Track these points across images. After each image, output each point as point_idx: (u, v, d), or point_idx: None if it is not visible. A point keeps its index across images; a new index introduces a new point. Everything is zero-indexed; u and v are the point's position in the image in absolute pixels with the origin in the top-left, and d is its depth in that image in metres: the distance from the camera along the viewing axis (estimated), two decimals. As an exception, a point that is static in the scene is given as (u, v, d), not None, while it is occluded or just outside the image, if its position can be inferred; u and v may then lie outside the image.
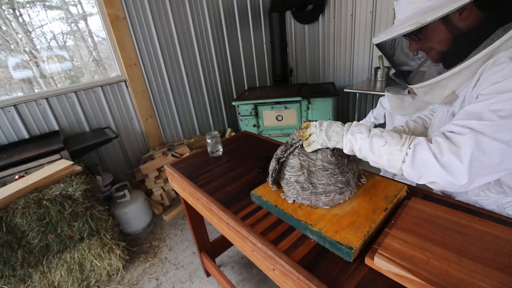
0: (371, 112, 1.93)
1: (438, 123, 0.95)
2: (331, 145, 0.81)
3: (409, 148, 0.69)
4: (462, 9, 0.67)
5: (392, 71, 1.75)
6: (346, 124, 0.82)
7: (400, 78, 0.94)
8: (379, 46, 0.85)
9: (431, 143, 0.68)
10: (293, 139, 0.92)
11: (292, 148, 0.91)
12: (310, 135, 0.85)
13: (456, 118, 0.70)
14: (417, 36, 0.77)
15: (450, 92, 0.80)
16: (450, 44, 0.75)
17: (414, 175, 0.69)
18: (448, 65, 0.76)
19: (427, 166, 0.66)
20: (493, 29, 0.67)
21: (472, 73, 0.73)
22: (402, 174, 0.72)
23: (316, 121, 0.86)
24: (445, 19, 0.70)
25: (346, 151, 0.80)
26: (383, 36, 0.78)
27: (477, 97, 0.69)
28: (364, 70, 3.22)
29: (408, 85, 0.89)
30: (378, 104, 1.86)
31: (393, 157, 0.70)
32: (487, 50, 0.68)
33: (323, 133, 0.81)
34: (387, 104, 1.76)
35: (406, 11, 0.75)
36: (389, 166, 0.72)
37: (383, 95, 1.85)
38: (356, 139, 0.76)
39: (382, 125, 1.94)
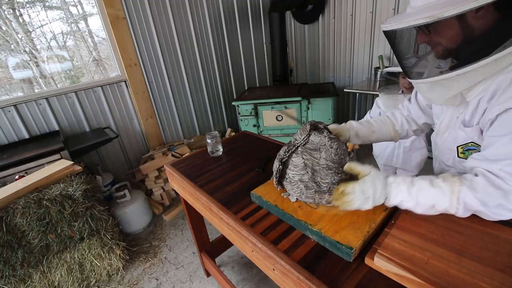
0: (368, 112, 1.94)
1: (445, 128, 0.93)
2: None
3: (459, 203, 0.70)
4: (479, 7, 0.63)
5: (385, 70, 1.75)
6: (386, 187, 0.76)
7: (406, 72, 0.88)
8: (386, 33, 0.80)
9: (470, 179, 0.70)
10: (296, 139, 0.92)
11: (294, 148, 0.91)
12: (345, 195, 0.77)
13: (492, 153, 0.69)
14: (428, 28, 0.73)
15: (453, 95, 0.77)
16: (459, 42, 0.72)
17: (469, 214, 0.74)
18: (453, 65, 0.74)
19: (480, 213, 0.71)
20: (508, 34, 0.64)
21: (479, 78, 0.70)
22: None
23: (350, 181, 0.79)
24: (460, 16, 0.65)
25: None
26: (393, 24, 0.73)
27: (496, 116, 0.69)
28: (364, 70, 3.22)
29: (410, 79, 0.85)
30: (374, 104, 1.87)
31: (444, 210, 0.73)
32: (497, 56, 0.65)
33: (370, 202, 0.74)
34: (381, 104, 1.76)
35: (424, 1, 0.70)
36: (442, 212, 0.74)
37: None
38: (402, 205, 0.75)
39: None
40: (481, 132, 0.79)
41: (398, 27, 0.73)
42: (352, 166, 0.80)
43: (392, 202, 0.75)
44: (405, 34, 0.83)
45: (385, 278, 0.65)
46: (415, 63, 0.89)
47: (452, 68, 0.73)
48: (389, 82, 2.05)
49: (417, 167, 1.86)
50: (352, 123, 1.11)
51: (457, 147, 0.89)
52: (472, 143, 0.83)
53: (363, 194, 0.73)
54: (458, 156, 0.90)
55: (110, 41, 2.52)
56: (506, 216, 0.68)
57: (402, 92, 1.68)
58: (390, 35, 0.82)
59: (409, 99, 1.14)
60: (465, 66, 0.69)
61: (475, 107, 0.77)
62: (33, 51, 2.39)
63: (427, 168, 1.60)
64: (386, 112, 1.77)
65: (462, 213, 0.72)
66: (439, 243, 0.67)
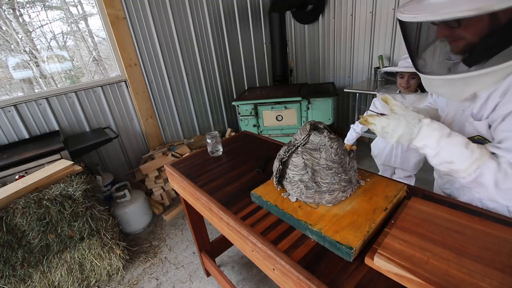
0: (365, 113, 1.94)
1: (451, 120, 0.92)
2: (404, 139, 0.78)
3: (475, 171, 0.72)
4: None
5: (383, 70, 1.75)
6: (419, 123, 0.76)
7: (416, 64, 0.83)
8: (407, 24, 0.73)
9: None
10: (296, 139, 0.92)
11: (294, 148, 0.91)
12: (383, 125, 0.79)
13: None
14: (459, 22, 0.67)
15: (473, 92, 0.74)
16: (488, 39, 0.67)
17: (469, 185, 0.75)
18: (477, 62, 0.69)
19: (482, 189, 0.73)
20: None
21: (504, 76, 0.68)
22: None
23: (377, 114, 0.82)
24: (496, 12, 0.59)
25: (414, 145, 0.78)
26: (426, 16, 0.65)
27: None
28: (364, 70, 3.22)
29: (423, 74, 0.80)
30: (372, 104, 1.87)
31: (456, 170, 0.73)
32: None
33: (397, 133, 0.76)
34: (379, 104, 1.77)
35: None
36: (450, 170, 0.75)
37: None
38: (423, 149, 0.76)
39: None
40: (489, 126, 0.78)
41: (435, 19, 0.65)
42: (387, 98, 0.81)
43: (415, 143, 0.76)
44: (425, 26, 0.78)
45: (385, 278, 0.65)
46: (426, 57, 0.83)
47: (477, 64, 0.69)
48: (389, 82, 2.05)
49: (416, 167, 1.87)
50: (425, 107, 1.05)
51: None
52: (478, 136, 0.82)
53: (396, 123, 0.76)
54: None
55: (110, 41, 2.52)
56: (499, 202, 0.72)
57: (400, 92, 1.68)
58: (409, 27, 0.75)
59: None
60: (498, 64, 0.65)
61: (484, 101, 0.76)
62: (33, 51, 2.39)
63: (426, 168, 1.60)
64: (384, 113, 1.78)
65: (469, 180, 0.73)
66: (439, 243, 0.67)
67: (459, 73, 0.72)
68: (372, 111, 0.88)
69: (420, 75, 0.83)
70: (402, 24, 0.74)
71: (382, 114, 0.84)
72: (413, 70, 1.56)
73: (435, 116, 1.05)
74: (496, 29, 0.65)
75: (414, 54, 0.83)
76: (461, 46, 0.73)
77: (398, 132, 0.76)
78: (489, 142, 0.79)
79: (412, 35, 0.79)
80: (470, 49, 0.71)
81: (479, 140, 0.83)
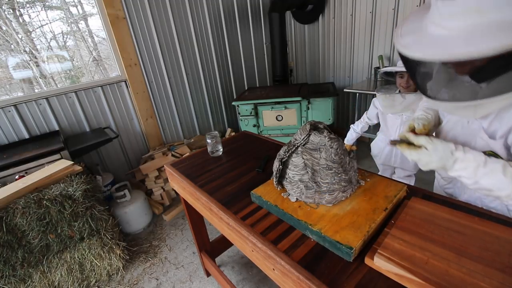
0: (365, 113, 1.95)
1: (452, 127, 0.90)
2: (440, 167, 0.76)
3: None
4: None
5: (382, 70, 1.75)
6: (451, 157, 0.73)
7: (421, 90, 0.77)
8: (416, 61, 0.65)
9: None
10: (296, 139, 0.92)
11: (294, 148, 0.91)
12: (418, 146, 0.77)
13: None
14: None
15: (486, 113, 0.71)
16: (501, 65, 0.60)
17: None
18: (489, 87, 0.64)
19: None
20: None
21: None
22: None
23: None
24: None
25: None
26: (431, 54, 0.60)
27: None
28: (364, 70, 3.22)
29: (434, 99, 0.73)
30: (371, 105, 1.87)
31: (499, 196, 0.72)
32: None
33: (432, 165, 0.75)
34: (379, 104, 1.77)
35: (465, 21, 0.57)
36: (490, 195, 0.74)
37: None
38: (460, 178, 0.75)
39: (376, 125, 1.95)
40: (507, 149, 0.76)
41: (452, 59, 0.58)
42: (413, 137, 0.78)
43: (451, 174, 0.74)
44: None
45: (385, 278, 0.65)
46: (432, 84, 0.77)
47: (490, 89, 0.63)
48: (388, 82, 2.05)
49: (416, 167, 1.87)
50: (430, 112, 1.01)
51: None
52: (490, 152, 0.80)
53: (430, 155, 0.74)
54: None
55: (110, 41, 2.52)
56: None
57: (400, 91, 1.68)
58: (414, 61, 0.67)
59: None
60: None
61: (495, 116, 0.74)
62: (33, 51, 2.39)
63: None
64: (384, 113, 1.78)
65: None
66: (439, 243, 0.67)
67: (469, 100, 0.66)
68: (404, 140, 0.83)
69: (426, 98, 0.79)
70: (406, 57, 0.67)
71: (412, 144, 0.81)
72: None
73: (437, 119, 1.03)
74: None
75: (418, 83, 0.77)
76: (468, 70, 0.67)
77: (432, 166, 0.75)
78: (501, 157, 0.77)
79: (416, 67, 0.74)
80: (480, 73, 0.65)
81: (491, 154, 0.80)
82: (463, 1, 0.57)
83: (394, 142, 0.84)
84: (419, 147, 0.77)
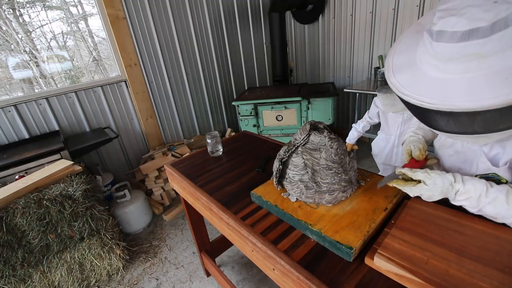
0: (366, 113, 1.95)
1: (453, 146, 0.88)
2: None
3: None
4: None
5: (382, 70, 1.75)
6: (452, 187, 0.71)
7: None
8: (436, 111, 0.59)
9: None
10: (296, 139, 0.92)
11: (294, 148, 0.91)
12: (418, 181, 0.75)
13: None
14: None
15: (492, 141, 0.71)
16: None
17: None
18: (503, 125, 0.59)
19: None
20: None
21: None
22: None
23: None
24: None
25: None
26: (436, 104, 0.56)
27: None
28: (364, 70, 3.22)
29: (432, 128, 0.71)
30: (372, 104, 1.87)
31: (503, 221, 0.70)
32: None
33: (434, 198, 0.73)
34: (379, 103, 1.77)
35: (465, 67, 0.54)
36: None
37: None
38: (464, 206, 0.73)
39: (377, 125, 1.95)
40: None
41: (457, 110, 0.54)
42: (410, 173, 0.76)
43: (454, 203, 0.73)
44: None
45: (385, 278, 0.65)
46: (433, 120, 0.72)
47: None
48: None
49: None
50: (419, 132, 0.98)
51: (476, 175, 0.83)
52: (493, 174, 0.78)
53: (431, 189, 0.72)
54: None
55: (110, 41, 2.52)
56: None
57: None
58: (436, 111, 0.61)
59: None
60: None
61: (496, 142, 0.72)
62: (33, 51, 2.39)
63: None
64: (385, 112, 1.78)
65: None
66: (439, 243, 0.67)
67: (469, 134, 0.63)
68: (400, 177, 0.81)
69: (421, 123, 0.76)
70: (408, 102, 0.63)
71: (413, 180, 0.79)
72: None
73: (429, 133, 1.01)
74: None
75: (414, 115, 0.74)
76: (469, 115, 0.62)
77: (434, 199, 0.74)
78: (505, 180, 0.76)
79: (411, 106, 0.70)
80: (481, 120, 0.59)
81: (494, 176, 0.78)
82: (463, 45, 0.53)
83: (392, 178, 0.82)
84: (418, 181, 0.76)
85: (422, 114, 0.68)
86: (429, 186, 0.73)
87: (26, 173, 1.86)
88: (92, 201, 1.79)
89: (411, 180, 0.78)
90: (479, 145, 0.79)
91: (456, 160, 0.89)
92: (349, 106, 3.60)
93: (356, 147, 2.09)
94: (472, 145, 0.82)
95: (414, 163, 0.88)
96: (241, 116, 2.90)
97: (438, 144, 0.96)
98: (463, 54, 0.53)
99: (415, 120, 1.11)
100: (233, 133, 3.42)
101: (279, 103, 2.77)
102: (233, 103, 2.87)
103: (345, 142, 1.95)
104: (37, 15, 2.36)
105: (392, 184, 0.79)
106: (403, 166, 0.86)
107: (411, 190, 0.75)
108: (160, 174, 2.69)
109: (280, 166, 0.94)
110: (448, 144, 0.90)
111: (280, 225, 0.87)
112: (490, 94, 0.51)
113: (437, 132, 0.73)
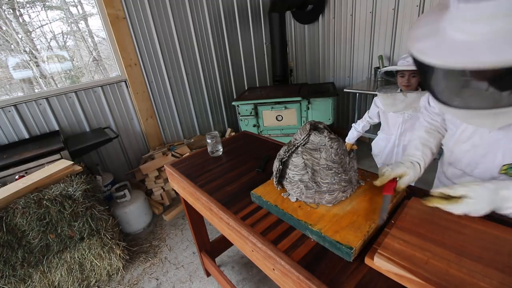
0: (367, 113, 1.95)
1: (466, 139, 0.85)
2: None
3: None
4: None
5: (383, 70, 1.75)
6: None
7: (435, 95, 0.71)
8: (426, 67, 0.60)
9: None
10: (296, 139, 0.92)
11: (294, 148, 0.91)
12: (459, 198, 0.71)
13: None
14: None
15: (508, 123, 0.67)
16: None
17: None
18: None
19: None
20: None
21: None
22: None
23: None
24: None
25: None
26: (460, 62, 0.54)
27: None
28: (364, 70, 3.22)
29: (449, 106, 0.68)
30: (373, 104, 1.87)
31: None
32: None
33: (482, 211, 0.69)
34: (380, 103, 1.77)
35: (491, 26, 0.53)
36: None
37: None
38: None
39: (377, 125, 1.95)
40: None
41: (483, 67, 0.52)
42: (449, 190, 0.72)
43: (504, 212, 0.70)
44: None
45: (385, 278, 0.65)
46: (448, 91, 0.71)
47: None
48: (389, 82, 2.06)
49: None
50: (415, 160, 0.93)
51: (503, 165, 0.80)
52: None
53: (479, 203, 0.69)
54: (500, 172, 0.82)
55: (110, 41, 2.52)
56: None
57: (401, 90, 1.69)
58: (434, 69, 0.62)
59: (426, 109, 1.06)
60: None
61: None
62: (33, 51, 2.39)
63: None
64: (385, 112, 1.78)
65: None
66: (439, 243, 0.67)
67: (488, 108, 0.62)
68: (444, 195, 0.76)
69: (440, 104, 0.72)
70: (421, 63, 0.61)
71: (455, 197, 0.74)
72: (413, 68, 1.56)
73: (438, 138, 0.98)
74: None
75: (432, 89, 0.72)
76: (491, 77, 0.61)
77: (484, 212, 0.71)
78: None
79: (432, 74, 0.67)
80: (503, 81, 0.59)
81: None
82: (492, 4, 0.51)
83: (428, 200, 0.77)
84: (459, 198, 0.72)
85: (439, 83, 0.66)
86: (475, 199, 0.70)
87: (26, 173, 1.86)
88: (92, 201, 1.79)
89: (449, 197, 0.74)
90: (498, 128, 0.74)
91: (474, 154, 0.86)
92: (349, 106, 3.60)
93: (355, 147, 2.09)
94: (494, 134, 0.78)
95: (391, 183, 0.88)
96: (241, 116, 2.90)
97: (452, 140, 0.93)
98: (492, 13, 0.52)
99: (421, 119, 1.09)
100: (233, 133, 3.42)
101: (279, 103, 2.77)
102: (233, 103, 2.87)
103: (345, 142, 1.95)
104: (37, 15, 2.36)
105: (434, 204, 0.75)
106: (383, 191, 0.85)
107: (458, 209, 0.71)
108: (160, 174, 2.69)
109: (280, 166, 0.94)
110: (464, 139, 0.87)
111: (280, 225, 0.87)
112: None
113: (455, 113, 0.69)
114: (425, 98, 1.12)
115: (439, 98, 0.70)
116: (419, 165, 0.91)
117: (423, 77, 0.71)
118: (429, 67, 0.61)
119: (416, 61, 0.64)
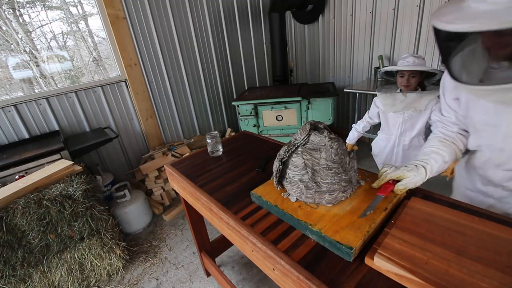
0: (366, 113, 1.95)
1: (509, 134, 0.82)
2: None
3: None
4: None
5: (383, 70, 1.75)
6: None
7: (458, 76, 0.72)
8: (450, 33, 0.62)
9: None
10: (296, 139, 0.92)
11: (294, 148, 0.91)
12: None
13: None
14: None
15: None
16: None
17: None
18: None
19: None
20: None
21: None
22: None
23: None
24: None
25: None
26: (486, 24, 0.58)
27: None
28: (364, 70, 3.22)
29: (471, 84, 0.69)
30: (372, 104, 1.87)
31: None
32: None
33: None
34: (380, 103, 1.77)
35: None
36: None
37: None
38: None
39: (377, 125, 1.95)
40: None
41: (508, 26, 0.55)
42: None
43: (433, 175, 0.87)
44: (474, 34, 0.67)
45: (385, 278, 0.65)
46: (472, 67, 0.72)
47: None
48: (389, 82, 2.06)
49: None
50: (420, 163, 0.93)
51: None
52: None
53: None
54: None
55: (110, 41, 2.52)
56: None
57: (401, 90, 1.69)
58: (460, 39, 0.65)
59: (441, 112, 1.03)
60: None
61: None
62: (33, 51, 2.39)
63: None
64: (385, 112, 1.78)
65: None
66: (439, 243, 0.67)
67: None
68: None
69: (463, 85, 0.72)
70: (444, 33, 0.64)
71: None
72: (413, 68, 1.56)
73: (452, 149, 0.96)
74: None
75: (453, 67, 0.72)
76: (508, 52, 0.64)
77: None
78: None
79: (455, 47, 0.70)
80: None
81: None
82: None
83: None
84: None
85: (461, 58, 0.68)
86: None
87: (26, 173, 1.86)
88: (92, 201, 1.79)
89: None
90: None
91: None
92: (349, 106, 3.60)
93: (356, 148, 2.09)
94: None
95: (389, 185, 0.90)
96: (241, 116, 2.90)
97: (499, 138, 0.85)
98: None
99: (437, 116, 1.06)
100: (233, 133, 3.42)
101: (279, 103, 2.77)
102: (233, 103, 2.87)
103: (345, 142, 1.95)
104: (37, 15, 2.36)
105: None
106: (378, 191, 0.90)
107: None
108: (160, 174, 2.69)
109: (280, 166, 0.94)
110: (502, 136, 0.83)
111: (280, 225, 0.87)
112: None
113: (473, 89, 0.69)
114: (437, 111, 1.08)
115: (461, 78, 0.71)
116: (424, 169, 0.90)
117: (443, 57, 0.72)
118: (455, 40, 0.65)
119: (440, 38, 0.67)
